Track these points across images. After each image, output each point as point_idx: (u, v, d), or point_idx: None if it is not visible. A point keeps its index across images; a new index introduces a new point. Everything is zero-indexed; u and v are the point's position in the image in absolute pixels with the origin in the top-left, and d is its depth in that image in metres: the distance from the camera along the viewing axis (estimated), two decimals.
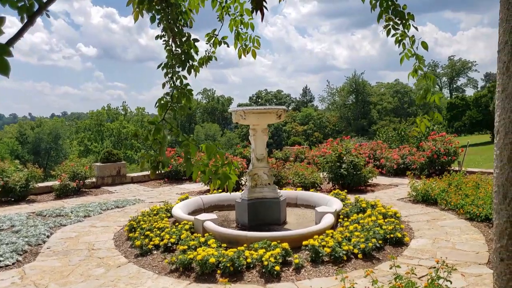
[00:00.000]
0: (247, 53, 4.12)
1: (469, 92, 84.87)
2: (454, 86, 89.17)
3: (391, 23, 3.68)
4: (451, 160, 14.26)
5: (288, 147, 20.76)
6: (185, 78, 3.15)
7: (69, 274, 6.08)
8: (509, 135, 2.76)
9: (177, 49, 3.11)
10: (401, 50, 3.75)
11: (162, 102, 2.83)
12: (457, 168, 14.18)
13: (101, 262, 6.57)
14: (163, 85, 3.02)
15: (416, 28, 3.72)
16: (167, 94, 2.94)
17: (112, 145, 64.48)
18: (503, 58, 2.78)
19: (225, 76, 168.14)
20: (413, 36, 3.75)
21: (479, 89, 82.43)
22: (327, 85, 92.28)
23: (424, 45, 3.65)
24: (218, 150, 2.14)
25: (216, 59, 3.97)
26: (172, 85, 3.04)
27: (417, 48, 3.72)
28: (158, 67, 3.10)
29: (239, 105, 72.78)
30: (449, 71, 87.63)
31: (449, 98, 75.69)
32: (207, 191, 12.17)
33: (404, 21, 3.65)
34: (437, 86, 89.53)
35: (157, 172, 2.31)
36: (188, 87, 2.96)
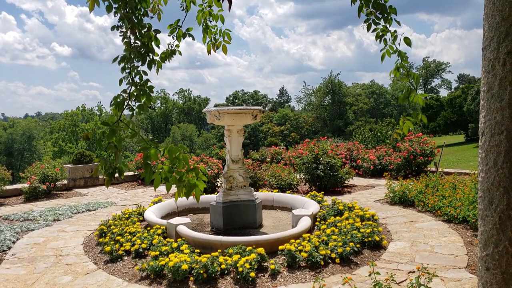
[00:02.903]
0: (217, 48, 3.80)
1: (443, 93, 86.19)
2: (429, 87, 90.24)
3: (372, 17, 3.43)
4: (428, 160, 14.27)
5: (265, 147, 20.60)
6: (145, 74, 2.84)
7: (33, 283, 5.76)
8: (495, 137, 2.60)
9: (136, 41, 2.81)
10: (382, 47, 3.52)
11: (118, 100, 2.55)
12: (433, 169, 14.21)
13: (69, 269, 6.27)
14: (120, 81, 2.71)
15: (399, 23, 3.50)
16: (124, 91, 2.66)
17: (87, 146, 63.41)
18: (489, 56, 2.61)
19: (202, 76, 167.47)
20: (395, 31, 3.54)
21: (452, 90, 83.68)
22: (303, 86, 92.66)
23: (407, 41, 3.44)
24: (182, 153, 1.91)
25: (180, 53, 3.65)
26: (131, 81, 2.74)
27: (399, 44, 3.50)
28: (114, 60, 2.79)
29: (216, 106, 72.32)
30: (423, 72, 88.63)
31: (424, 99, 76.70)
32: None
33: (385, 15, 3.41)
34: (412, 87, 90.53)
35: (112, 180, 2.06)
36: (149, 84, 2.67)
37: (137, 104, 2.61)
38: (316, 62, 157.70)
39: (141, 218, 8.64)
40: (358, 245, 6.57)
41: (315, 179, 12.24)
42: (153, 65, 2.83)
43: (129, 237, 7.10)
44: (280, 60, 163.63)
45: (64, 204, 11.03)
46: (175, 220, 7.37)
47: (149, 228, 7.69)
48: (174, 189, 12.71)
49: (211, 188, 12.41)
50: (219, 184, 12.69)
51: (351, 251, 6.37)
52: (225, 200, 8.07)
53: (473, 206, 8.08)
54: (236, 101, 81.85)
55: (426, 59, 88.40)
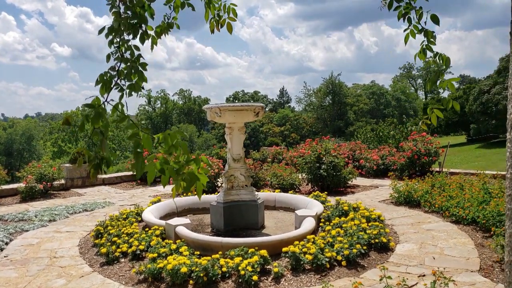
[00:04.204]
0: (221, 27, 3.35)
1: (444, 94, 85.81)
2: (429, 88, 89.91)
3: None
4: (432, 160, 14.01)
5: (266, 147, 20.36)
6: (138, 49, 2.49)
7: (25, 286, 5.49)
8: None
9: (127, 11, 2.42)
10: (404, 30, 3.17)
11: (105, 78, 2.19)
12: (437, 169, 13.94)
13: (63, 272, 5.99)
14: (108, 57, 2.40)
15: None
16: (112, 68, 2.31)
17: (87, 146, 63.12)
18: None
19: (202, 77, 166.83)
20: (420, 8, 3.18)
21: (450, 92, 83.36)
22: (304, 86, 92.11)
23: (435, 19, 3.06)
24: (181, 141, 1.64)
25: (178, 27, 3.23)
26: (120, 57, 2.38)
27: (425, 23, 3.15)
28: (100, 32, 2.42)
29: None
30: (424, 73, 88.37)
31: (424, 100, 76.47)
32: (184, 192, 11.61)
33: None
34: (412, 88, 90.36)
35: (99, 174, 1.78)
36: (142, 61, 2.35)
37: (127, 83, 2.29)
38: (316, 63, 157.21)
39: (139, 219, 8.37)
40: (364, 247, 6.30)
41: (317, 179, 11.97)
42: (146, 39, 2.51)
43: (126, 238, 6.83)
44: (280, 61, 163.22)
45: (61, 204, 10.76)
46: (174, 221, 7.09)
47: (147, 229, 7.40)
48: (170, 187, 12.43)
49: (211, 188, 12.15)
50: (219, 184, 12.43)
51: (358, 253, 6.10)
52: (226, 200, 7.80)
53: (483, 207, 7.82)
54: (236, 101, 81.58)
55: (427, 60, 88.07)
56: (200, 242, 6.47)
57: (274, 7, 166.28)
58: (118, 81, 2.28)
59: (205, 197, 9.76)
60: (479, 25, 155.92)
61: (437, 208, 8.75)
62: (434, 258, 6.13)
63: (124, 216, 8.31)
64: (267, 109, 78.69)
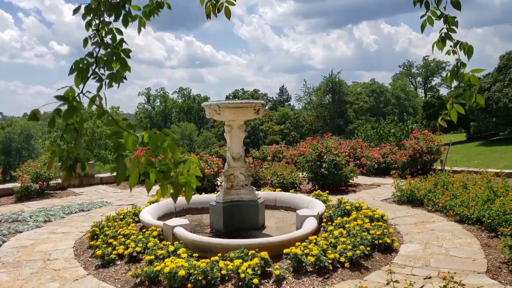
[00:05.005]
0: (218, 12, 2.86)
1: (443, 91, 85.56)
2: (429, 86, 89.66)
3: None
4: (434, 158, 13.83)
5: (266, 146, 20.17)
6: (120, 32, 2.17)
7: None
8: None
9: None
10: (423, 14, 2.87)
11: (80, 66, 1.84)
12: (439, 167, 13.76)
13: (57, 275, 5.80)
14: (85, 41, 2.09)
15: None
16: (90, 55, 1.97)
17: (86, 144, 62.89)
18: None
19: (202, 75, 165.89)
20: None
21: (452, 88, 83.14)
22: (303, 85, 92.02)
23: (456, 4, 2.73)
24: (168, 140, 1.42)
25: (169, 6, 2.80)
26: (99, 41, 2.05)
27: (444, 8, 2.86)
28: (75, 12, 2.09)
29: None
30: (423, 71, 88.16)
31: (424, 98, 76.27)
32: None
33: None
34: (411, 86, 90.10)
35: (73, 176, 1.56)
36: (124, 46, 2.04)
37: (107, 72, 1.97)
38: (316, 61, 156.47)
39: (137, 219, 8.16)
40: (368, 248, 6.11)
41: (318, 178, 11.79)
42: (130, 21, 2.23)
43: (123, 239, 6.63)
44: (280, 59, 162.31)
45: (57, 204, 10.56)
46: (172, 221, 6.90)
47: (144, 230, 7.20)
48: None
49: (211, 188, 11.96)
50: (219, 183, 12.23)
51: (361, 254, 5.91)
52: (225, 200, 7.61)
53: (488, 206, 7.63)
54: (236, 99, 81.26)
55: (426, 58, 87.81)
56: (198, 244, 6.27)
57: (274, 5, 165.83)
58: (97, 69, 1.99)
59: (204, 196, 9.59)
60: (478, 23, 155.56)
61: (440, 207, 8.56)
62: (439, 259, 5.95)
63: (121, 216, 8.11)
64: (267, 107, 78.42)
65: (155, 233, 6.76)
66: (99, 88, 1.92)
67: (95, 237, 7.08)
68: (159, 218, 8.02)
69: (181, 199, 8.92)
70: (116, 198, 11.55)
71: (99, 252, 6.21)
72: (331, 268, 5.57)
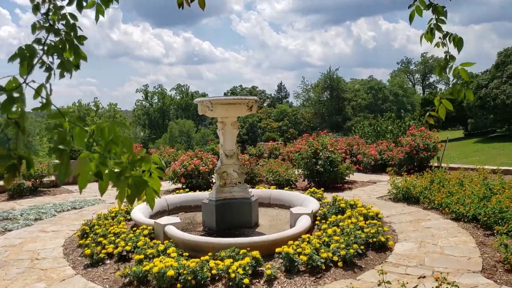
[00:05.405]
0: (192, 1, 2.58)
1: (441, 88, 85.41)
2: (427, 82, 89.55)
3: None
4: (431, 155, 13.73)
5: (263, 143, 20.05)
6: (74, 18, 2.00)
7: None
8: None
9: None
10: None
11: (25, 52, 1.62)
12: (436, 164, 13.66)
13: (44, 275, 5.68)
14: (33, 27, 1.91)
15: None
16: (38, 41, 1.78)
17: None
18: None
19: (200, 72, 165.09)
20: None
21: (450, 85, 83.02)
22: (302, 81, 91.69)
23: None
24: (121, 134, 1.27)
25: None
26: (49, 26, 1.87)
27: None
28: None
29: None
30: (422, 68, 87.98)
31: (422, 95, 76.15)
32: (176, 190, 11.30)
33: None
34: (410, 83, 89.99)
35: (17, 177, 1.41)
36: (79, 33, 1.89)
37: (57, 61, 1.80)
38: (314, 58, 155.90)
39: (129, 217, 8.05)
40: (362, 247, 6.00)
41: (314, 175, 11.68)
42: (86, 7, 2.05)
43: (113, 238, 6.52)
44: (278, 56, 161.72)
45: (49, 202, 10.44)
46: (163, 220, 6.78)
47: (135, 228, 7.09)
48: (168, 184, 12.09)
49: (206, 185, 11.87)
50: (214, 181, 12.12)
51: (355, 253, 5.80)
52: (218, 198, 7.50)
53: (484, 204, 7.54)
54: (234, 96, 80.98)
55: (424, 55, 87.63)
56: (190, 243, 6.16)
57: (272, 1, 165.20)
58: (46, 58, 1.80)
59: (198, 194, 9.48)
60: (476, 20, 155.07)
61: (436, 204, 8.46)
62: (434, 258, 5.85)
63: (113, 214, 8.00)
64: (265, 104, 78.24)
65: (146, 232, 6.64)
66: (48, 78, 1.76)
67: (85, 235, 6.97)
68: (151, 217, 7.89)
69: (173, 197, 8.84)
70: (109, 196, 11.37)
71: (88, 251, 6.09)
72: (323, 267, 5.46)
